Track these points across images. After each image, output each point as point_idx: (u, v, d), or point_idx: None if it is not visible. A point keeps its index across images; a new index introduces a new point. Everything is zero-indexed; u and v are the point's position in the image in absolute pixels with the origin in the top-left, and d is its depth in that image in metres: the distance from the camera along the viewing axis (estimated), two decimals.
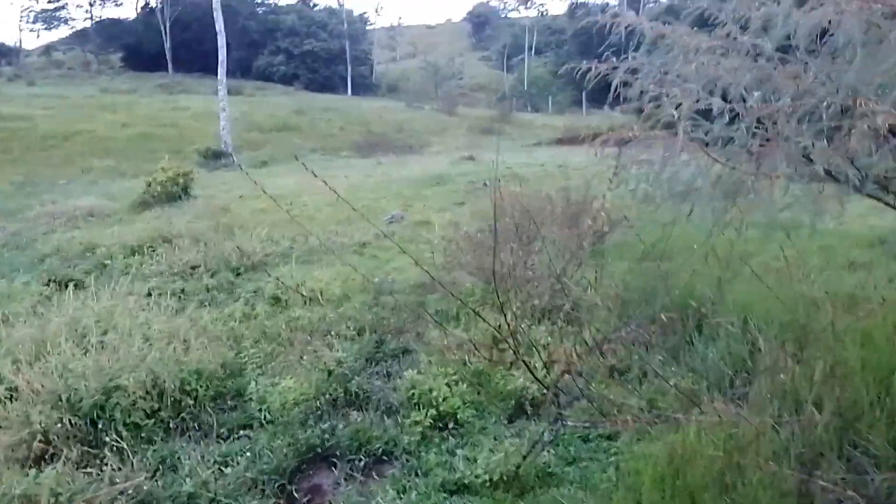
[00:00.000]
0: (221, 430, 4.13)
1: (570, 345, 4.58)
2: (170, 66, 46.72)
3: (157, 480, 3.57)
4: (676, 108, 3.08)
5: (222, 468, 3.69)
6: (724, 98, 3.54)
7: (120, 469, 3.52)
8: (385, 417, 4.22)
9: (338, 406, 4.39)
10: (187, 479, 3.55)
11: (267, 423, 4.14)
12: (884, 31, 2.93)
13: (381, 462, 3.84)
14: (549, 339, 4.83)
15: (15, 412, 3.77)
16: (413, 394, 4.28)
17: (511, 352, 4.71)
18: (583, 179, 8.60)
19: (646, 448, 3.57)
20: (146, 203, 12.47)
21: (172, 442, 3.97)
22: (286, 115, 31.90)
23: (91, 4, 55.07)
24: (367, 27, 64.14)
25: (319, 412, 4.26)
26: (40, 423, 3.66)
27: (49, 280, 7.17)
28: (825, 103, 3.15)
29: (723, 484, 2.97)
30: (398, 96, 47.83)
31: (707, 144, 3.39)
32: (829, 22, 3.12)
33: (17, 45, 57.03)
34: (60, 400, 3.81)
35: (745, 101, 3.45)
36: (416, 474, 3.64)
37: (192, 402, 4.26)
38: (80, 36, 55.09)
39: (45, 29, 56.93)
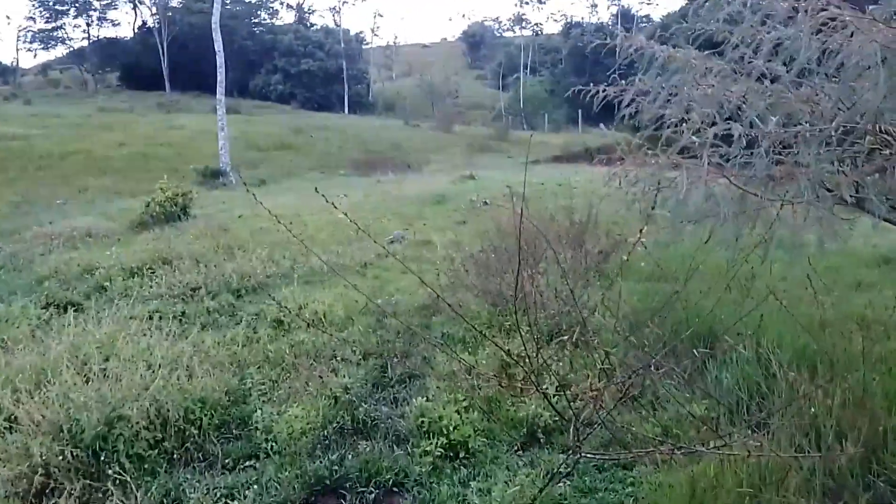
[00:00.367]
0: (227, 461, 4.02)
1: (584, 370, 4.51)
2: (167, 84, 46.88)
3: None
4: (695, 133, 3.04)
5: (228, 501, 3.59)
6: (734, 120, 3.50)
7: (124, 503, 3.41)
8: (394, 447, 4.13)
9: (345, 435, 4.29)
10: None
11: (273, 453, 4.03)
12: None
13: (391, 494, 3.74)
14: (559, 363, 4.75)
15: (15, 444, 3.66)
16: (422, 421, 4.18)
17: (522, 377, 4.64)
18: (585, 198, 8.59)
19: (664, 478, 3.49)
20: (145, 223, 12.37)
21: (177, 473, 3.86)
22: (284, 133, 31.96)
23: (88, 24, 55.41)
24: (364, 46, 64.69)
25: (327, 441, 4.16)
26: (41, 456, 3.55)
27: (48, 303, 7.06)
28: (842, 128, 3.12)
29: None
30: (395, 115, 48.09)
31: (723, 167, 3.36)
32: (843, 45, 3.09)
33: (14, 64, 57.26)
34: (62, 431, 3.70)
35: (753, 125, 3.41)
36: None
37: (196, 431, 4.15)
38: (77, 55, 55.30)
39: (43, 49, 57.13)
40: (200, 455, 4.07)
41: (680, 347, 4.84)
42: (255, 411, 4.41)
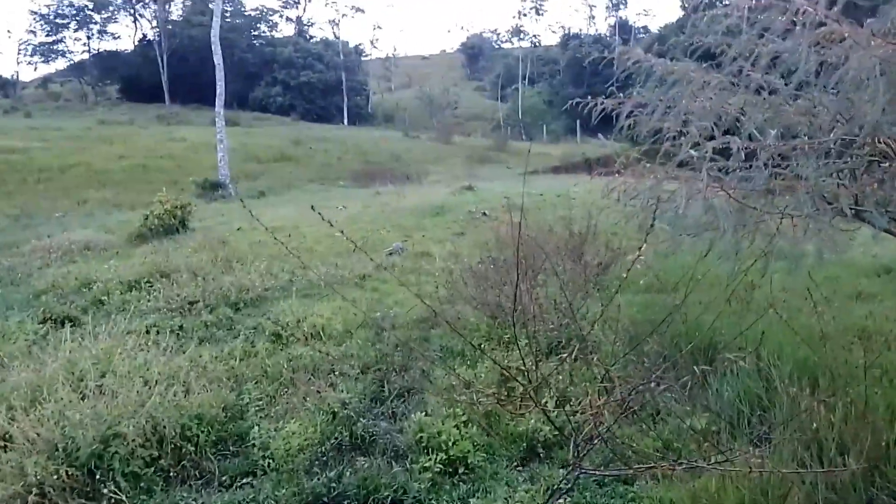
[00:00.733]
0: (224, 479, 3.97)
1: (583, 384, 4.48)
2: (167, 97, 47.05)
3: None
4: (694, 147, 3.03)
5: None
6: (732, 133, 3.50)
7: None
8: (393, 463, 4.09)
9: (343, 451, 4.24)
10: None
11: (271, 470, 3.98)
12: None
13: None
14: (559, 376, 4.72)
15: (9, 463, 3.62)
16: (421, 437, 4.14)
17: (521, 391, 4.60)
18: (584, 209, 8.58)
19: (665, 493, 3.45)
20: (143, 236, 12.34)
21: (173, 492, 3.81)
22: (283, 145, 32.04)
23: (89, 38, 55.65)
24: (363, 58, 64.98)
25: (325, 458, 4.12)
26: (35, 475, 3.51)
27: (45, 318, 7.02)
28: (841, 141, 3.11)
29: None
30: (394, 126, 48.24)
31: (722, 180, 3.34)
32: (841, 58, 3.09)
33: (15, 77, 57.45)
34: (57, 449, 3.66)
35: (752, 138, 3.41)
36: None
37: (192, 448, 4.10)
38: (77, 68, 55.51)
39: (43, 62, 57.34)
40: (197, 472, 4.02)
41: (680, 361, 4.81)
42: (253, 427, 4.36)
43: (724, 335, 5.16)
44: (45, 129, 31.25)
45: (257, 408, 4.72)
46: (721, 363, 4.89)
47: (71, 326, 5.98)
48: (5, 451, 3.75)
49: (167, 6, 50.99)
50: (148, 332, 5.96)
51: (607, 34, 65.10)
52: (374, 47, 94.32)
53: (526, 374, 4.73)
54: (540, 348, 5.31)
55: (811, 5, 3.08)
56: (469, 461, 3.95)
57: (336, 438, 4.28)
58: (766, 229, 3.41)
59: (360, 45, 69.70)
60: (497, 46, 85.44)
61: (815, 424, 3.73)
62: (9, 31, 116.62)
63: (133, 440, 3.82)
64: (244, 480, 3.95)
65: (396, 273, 8.88)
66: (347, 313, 6.72)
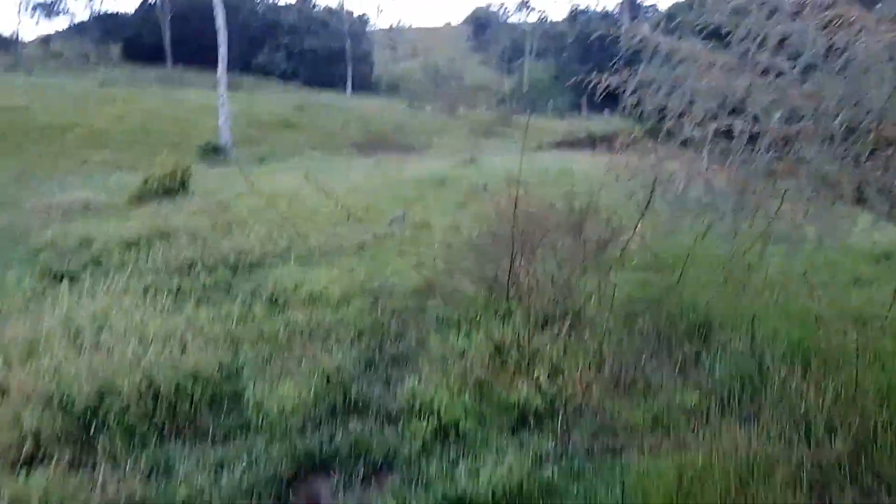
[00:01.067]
0: (217, 435, 4.02)
1: (575, 357, 4.51)
2: (169, 59, 46.47)
3: (150, 485, 3.47)
4: (697, 126, 3.01)
5: (218, 473, 3.59)
6: (738, 113, 3.47)
7: (113, 473, 3.42)
8: (385, 426, 4.14)
9: (336, 413, 4.29)
10: (182, 485, 3.45)
11: (264, 429, 4.04)
12: None
13: (380, 472, 3.75)
14: (553, 349, 4.75)
15: (5, 413, 3.66)
16: (413, 402, 4.19)
17: (514, 362, 4.64)
18: (586, 185, 8.54)
19: (653, 465, 3.49)
20: (144, 198, 12.28)
21: (167, 446, 3.86)
22: (287, 111, 31.71)
23: None
24: (368, 28, 64.05)
25: (318, 419, 4.17)
26: (31, 426, 3.55)
27: (43, 275, 7.04)
28: (845, 126, 3.08)
29: None
30: (398, 96, 47.72)
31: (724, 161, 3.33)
32: (849, 42, 3.05)
33: (15, 35, 56.68)
34: (52, 402, 3.71)
35: (757, 119, 3.38)
36: (417, 486, 3.55)
37: (187, 405, 4.15)
38: (79, 28, 54.71)
39: (45, 17, 56.44)
40: (191, 428, 4.07)
41: (674, 339, 4.84)
42: (247, 387, 4.41)
43: (720, 315, 5.18)
44: (46, 87, 30.91)
45: (253, 369, 4.76)
46: (715, 342, 4.93)
47: (69, 283, 6.00)
48: (2, 402, 3.79)
49: None
50: (146, 291, 5.98)
51: (616, 10, 64.07)
52: (379, 17, 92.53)
53: (518, 346, 4.77)
54: (536, 320, 5.35)
55: None
56: (460, 427, 3.99)
57: (329, 401, 4.32)
58: (766, 211, 3.40)
59: (364, 14, 68.78)
60: (504, 20, 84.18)
61: (804, 405, 3.78)
62: None
63: (128, 395, 3.86)
64: (238, 437, 4.00)
65: (395, 243, 8.88)
66: (345, 281, 6.73)
